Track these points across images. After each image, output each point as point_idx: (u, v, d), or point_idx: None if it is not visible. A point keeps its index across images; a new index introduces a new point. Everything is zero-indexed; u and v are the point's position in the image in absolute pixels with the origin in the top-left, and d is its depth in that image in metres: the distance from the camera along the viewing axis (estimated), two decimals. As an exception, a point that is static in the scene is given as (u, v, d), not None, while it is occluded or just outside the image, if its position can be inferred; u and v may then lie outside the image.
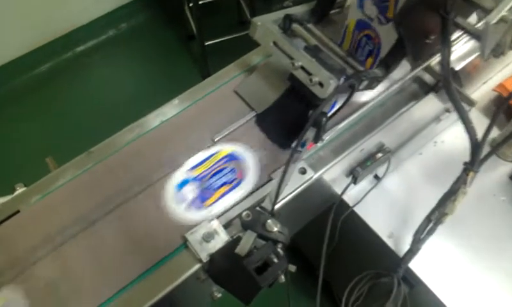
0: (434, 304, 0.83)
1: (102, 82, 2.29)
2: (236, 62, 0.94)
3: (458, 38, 0.86)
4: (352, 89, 0.67)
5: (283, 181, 0.63)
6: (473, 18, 0.82)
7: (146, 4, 2.52)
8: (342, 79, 0.67)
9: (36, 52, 2.29)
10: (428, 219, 0.79)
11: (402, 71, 0.84)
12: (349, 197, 0.90)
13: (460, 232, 0.87)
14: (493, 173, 0.94)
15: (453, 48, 0.83)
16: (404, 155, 0.95)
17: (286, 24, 0.73)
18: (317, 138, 0.71)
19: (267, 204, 0.66)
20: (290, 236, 0.65)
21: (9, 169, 1.90)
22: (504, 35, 0.66)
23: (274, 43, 0.72)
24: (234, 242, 0.66)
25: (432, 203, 0.77)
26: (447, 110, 0.92)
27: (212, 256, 0.68)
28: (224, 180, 0.78)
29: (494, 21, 0.61)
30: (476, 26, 0.69)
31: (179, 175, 0.79)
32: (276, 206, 0.67)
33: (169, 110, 0.88)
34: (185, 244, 0.71)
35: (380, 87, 0.83)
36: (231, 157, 0.80)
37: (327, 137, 0.79)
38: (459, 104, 0.67)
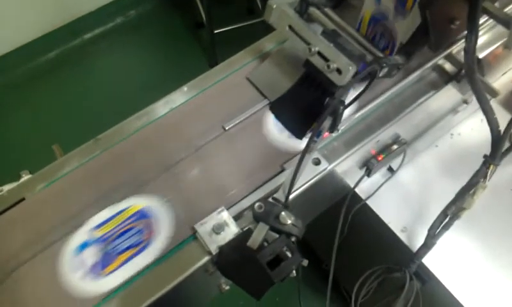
0: (447, 300, 0.82)
1: (110, 70, 2.27)
2: (248, 49, 0.92)
3: (482, 24, 0.83)
4: (372, 76, 0.64)
5: (299, 171, 0.61)
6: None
7: (154, -9, 2.50)
8: (362, 66, 0.65)
9: (43, 38, 2.27)
10: (444, 214, 0.77)
11: (422, 59, 0.81)
12: (361, 189, 0.88)
13: (475, 227, 0.86)
14: (509, 166, 0.91)
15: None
16: (420, 147, 0.93)
17: (302, 8, 0.70)
18: (332, 127, 0.69)
19: (280, 196, 0.63)
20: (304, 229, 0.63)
21: (15, 157, 1.90)
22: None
23: (290, 27, 0.69)
24: (245, 235, 0.65)
25: (448, 197, 0.75)
26: (465, 102, 0.90)
27: (222, 249, 0.66)
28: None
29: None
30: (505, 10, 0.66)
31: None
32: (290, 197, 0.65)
33: (179, 97, 0.86)
34: (194, 235, 0.69)
35: (398, 76, 0.80)
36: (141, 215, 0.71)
37: (342, 127, 0.77)
38: (482, 94, 0.65)
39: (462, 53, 0.84)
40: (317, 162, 0.75)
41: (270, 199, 0.63)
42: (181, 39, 2.34)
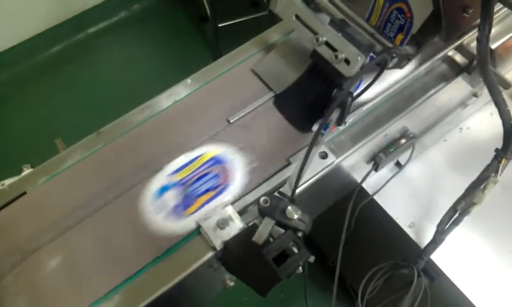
0: (456, 297, 0.81)
1: (114, 64, 2.26)
2: (253, 40, 0.90)
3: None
4: (382, 67, 0.62)
5: (306, 164, 0.59)
6: None
7: (158, -15, 2.49)
8: (370, 57, 0.63)
9: (47, 32, 2.27)
10: (454, 209, 0.76)
11: (432, 50, 0.80)
12: (368, 184, 0.87)
13: (485, 223, 0.85)
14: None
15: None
16: (428, 142, 0.92)
17: (310, -4, 0.69)
18: (340, 120, 0.67)
19: (286, 190, 0.62)
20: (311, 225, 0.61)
21: (18, 151, 1.89)
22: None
23: (297, 17, 0.68)
24: (250, 230, 0.64)
25: (457, 192, 0.74)
26: (475, 95, 0.88)
27: (227, 244, 0.65)
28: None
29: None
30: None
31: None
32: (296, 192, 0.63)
33: (182, 90, 0.84)
34: (198, 230, 0.68)
35: (407, 68, 0.78)
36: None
37: (350, 119, 0.75)
38: (494, 85, 0.63)
39: (473, 44, 0.83)
40: (323, 156, 0.74)
41: (276, 194, 0.62)
42: (185, 33, 2.33)
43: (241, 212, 0.70)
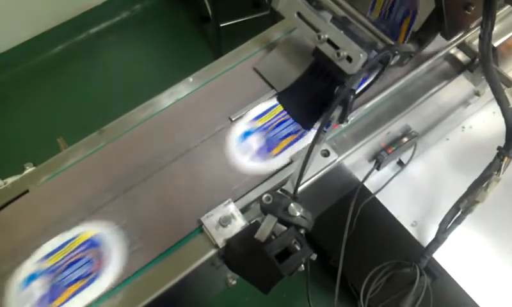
0: (458, 296, 0.81)
1: (115, 64, 2.27)
2: (255, 38, 0.90)
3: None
4: (384, 64, 0.62)
5: (308, 162, 0.59)
6: None
7: (160, -15, 2.49)
8: (372, 54, 0.63)
9: (49, 33, 2.27)
10: (456, 207, 0.75)
11: (434, 47, 0.80)
12: (370, 183, 0.87)
13: (487, 222, 0.85)
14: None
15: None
16: (430, 140, 0.92)
17: (311, -6, 0.69)
18: (342, 118, 0.67)
19: (288, 187, 0.62)
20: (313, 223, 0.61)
21: (20, 150, 1.90)
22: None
23: (299, 14, 0.67)
24: (252, 228, 0.64)
25: (459, 191, 0.73)
26: (477, 94, 0.88)
27: (229, 242, 0.65)
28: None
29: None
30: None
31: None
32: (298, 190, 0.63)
33: (184, 88, 0.84)
34: (200, 228, 0.68)
35: (409, 65, 0.78)
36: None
37: (352, 117, 0.75)
38: (496, 83, 0.63)
39: (475, 42, 0.83)
40: (325, 154, 0.74)
41: (278, 191, 0.62)
42: (186, 33, 2.33)
43: (243, 210, 0.70)
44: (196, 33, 2.32)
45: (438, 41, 0.73)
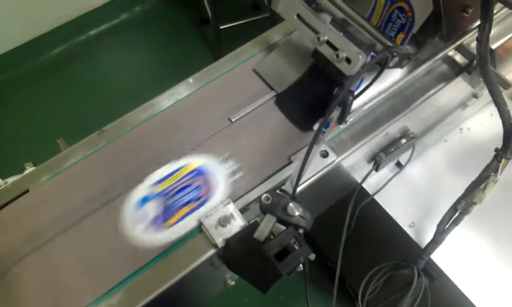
0: (456, 297, 0.81)
1: (115, 66, 2.27)
2: (255, 40, 0.90)
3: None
4: (382, 65, 0.63)
5: (307, 162, 0.60)
6: None
7: (159, -13, 2.50)
8: (371, 56, 0.63)
9: (49, 34, 2.27)
10: (454, 209, 0.76)
11: (432, 50, 0.80)
12: (369, 184, 0.87)
13: (485, 223, 0.85)
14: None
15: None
16: (429, 142, 0.92)
17: (311, -4, 0.69)
18: (341, 119, 0.68)
19: (287, 187, 0.62)
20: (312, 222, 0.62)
21: (20, 150, 1.90)
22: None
23: (298, 16, 0.68)
24: (251, 227, 0.64)
25: (457, 192, 0.74)
26: (475, 96, 0.89)
27: (228, 241, 0.65)
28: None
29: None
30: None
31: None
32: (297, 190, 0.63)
33: (184, 89, 0.85)
34: (200, 227, 0.68)
35: (408, 67, 0.79)
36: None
37: (350, 119, 0.76)
38: (494, 85, 0.63)
39: (473, 44, 0.84)
40: (324, 155, 0.74)
41: (277, 191, 0.62)
42: (186, 36, 2.33)
43: (243, 210, 0.70)
44: (196, 35, 2.33)
45: (437, 43, 0.74)
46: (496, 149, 0.69)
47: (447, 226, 0.76)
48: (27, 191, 0.75)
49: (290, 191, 0.62)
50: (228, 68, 0.87)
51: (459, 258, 0.82)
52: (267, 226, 0.59)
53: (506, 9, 0.85)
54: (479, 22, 0.56)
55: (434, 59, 0.81)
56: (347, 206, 0.83)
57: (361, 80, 0.73)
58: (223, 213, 0.67)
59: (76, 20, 2.31)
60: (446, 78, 0.87)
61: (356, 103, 0.75)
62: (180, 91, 0.84)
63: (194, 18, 2.38)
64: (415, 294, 0.83)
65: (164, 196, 0.71)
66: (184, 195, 0.71)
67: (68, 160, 0.78)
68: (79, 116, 2.01)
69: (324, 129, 0.63)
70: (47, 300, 0.65)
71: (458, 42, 0.82)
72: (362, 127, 0.80)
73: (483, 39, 0.57)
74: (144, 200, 0.71)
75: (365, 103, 0.78)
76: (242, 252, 0.63)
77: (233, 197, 0.71)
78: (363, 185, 0.85)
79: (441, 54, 0.81)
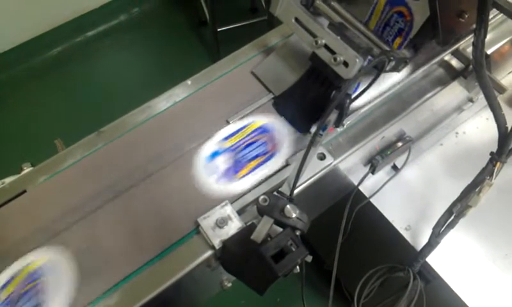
0: (451, 300, 0.81)
1: (112, 67, 2.27)
2: (253, 43, 0.91)
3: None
4: (379, 69, 0.63)
5: (304, 164, 0.60)
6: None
7: (158, -11, 2.50)
8: (368, 60, 0.64)
9: (47, 35, 2.27)
10: (449, 212, 0.76)
11: (429, 54, 0.81)
12: (365, 187, 0.88)
13: (480, 226, 0.86)
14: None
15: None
16: (425, 145, 0.92)
17: (309, 0, 0.70)
18: (338, 122, 0.68)
19: (285, 189, 0.63)
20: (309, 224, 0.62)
21: (18, 151, 1.90)
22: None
23: (296, 20, 0.69)
24: (248, 229, 0.64)
25: (453, 195, 0.74)
26: (470, 100, 0.89)
27: (225, 243, 0.65)
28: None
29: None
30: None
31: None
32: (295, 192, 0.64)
33: (183, 91, 0.85)
34: (197, 229, 0.68)
35: (404, 71, 0.79)
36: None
37: (347, 122, 0.76)
38: (489, 89, 0.63)
39: (469, 49, 0.84)
40: (322, 157, 0.74)
41: (275, 193, 0.63)
42: (184, 38, 2.33)
43: (240, 211, 0.70)
44: (194, 37, 2.33)
45: (433, 47, 0.74)
46: (492, 153, 0.69)
47: (443, 229, 0.77)
48: (24, 191, 0.75)
49: (288, 193, 0.62)
50: (226, 71, 0.87)
51: (454, 261, 0.82)
52: (265, 227, 0.59)
53: (501, 14, 0.85)
54: (474, 27, 0.56)
55: (430, 64, 0.82)
56: (344, 208, 0.83)
57: (359, 84, 0.73)
58: (220, 215, 0.68)
59: (74, 21, 2.32)
60: (442, 83, 0.88)
61: (353, 107, 0.76)
62: (178, 92, 0.85)
63: (192, 20, 2.38)
64: (411, 297, 0.83)
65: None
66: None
67: (66, 160, 0.78)
68: (77, 117, 2.01)
69: (321, 132, 0.63)
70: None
71: (454, 47, 0.83)
72: (359, 130, 0.81)
73: (479, 44, 0.57)
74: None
75: (362, 107, 0.79)
76: (239, 254, 0.63)
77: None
78: (360, 187, 0.86)
79: (437, 59, 0.82)
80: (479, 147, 0.94)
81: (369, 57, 0.66)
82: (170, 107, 0.83)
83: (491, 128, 0.67)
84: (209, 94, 0.84)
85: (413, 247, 0.83)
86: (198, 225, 0.68)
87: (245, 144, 0.77)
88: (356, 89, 0.74)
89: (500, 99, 0.91)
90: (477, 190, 0.71)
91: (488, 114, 0.67)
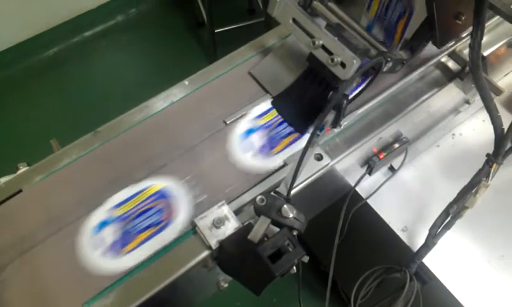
0: (448, 301, 0.81)
1: (109, 68, 2.27)
2: (251, 43, 0.91)
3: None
4: (376, 70, 0.63)
5: (301, 164, 0.60)
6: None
7: (155, -10, 2.50)
8: (365, 60, 0.64)
9: (44, 35, 2.27)
10: (446, 213, 0.76)
11: (425, 56, 0.81)
12: (362, 188, 0.88)
13: (477, 227, 0.86)
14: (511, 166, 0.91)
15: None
16: (421, 147, 0.93)
17: (306, 1, 0.70)
18: (335, 122, 0.68)
19: (282, 190, 0.63)
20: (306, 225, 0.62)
21: (14, 151, 1.89)
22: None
23: (294, 20, 0.69)
24: (245, 229, 0.64)
25: (449, 197, 0.74)
26: (467, 102, 0.90)
27: (222, 243, 0.65)
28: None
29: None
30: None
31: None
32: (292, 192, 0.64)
33: (180, 91, 0.85)
34: (193, 229, 0.68)
35: (401, 73, 0.79)
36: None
37: (345, 122, 0.76)
38: (486, 91, 0.64)
39: (465, 51, 0.85)
40: (319, 158, 0.74)
41: (272, 193, 0.63)
42: (182, 39, 2.33)
43: (237, 211, 0.70)
44: (192, 38, 2.33)
45: (430, 49, 0.75)
46: (488, 155, 0.70)
47: (439, 230, 0.77)
48: (20, 191, 0.74)
49: (285, 193, 0.62)
50: (223, 71, 0.87)
51: (451, 262, 0.82)
52: (261, 227, 0.59)
53: (498, 17, 0.86)
54: (471, 29, 0.57)
55: (427, 65, 0.82)
56: (341, 209, 0.83)
57: (358, 85, 0.74)
58: (217, 215, 0.67)
59: (71, 21, 2.31)
60: (439, 84, 0.88)
61: (350, 108, 0.76)
62: (175, 92, 0.85)
63: (189, 21, 2.38)
64: (407, 298, 0.83)
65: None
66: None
67: (62, 160, 0.77)
68: (73, 117, 2.01)
69: (318, 132, 0.63)
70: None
71: (451, 48, 0.83)
72: (356, 131, 0.81)
73: (475, 45, 0.58)
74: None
75: (359, 108, 0.79)
76: (236, 254, 0.63)
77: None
78: (357, 188, 0.86)
79: (434, 60, 0.82)
80: (476, 148, 0.94)
81: (366, 58, 0.66)
82: (167, 107, 0.83)
83: (487, 130, 0.68)
84: (206, 94, 0.84)
85: (409, 248, 0.83)
86: (194, 225, 0.68)
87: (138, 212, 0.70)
88: (354, 90, 0.74)
89: (497, 101, 0.92)
90: (473, 191, 0.72)
91: (484, 115, 0.67)
